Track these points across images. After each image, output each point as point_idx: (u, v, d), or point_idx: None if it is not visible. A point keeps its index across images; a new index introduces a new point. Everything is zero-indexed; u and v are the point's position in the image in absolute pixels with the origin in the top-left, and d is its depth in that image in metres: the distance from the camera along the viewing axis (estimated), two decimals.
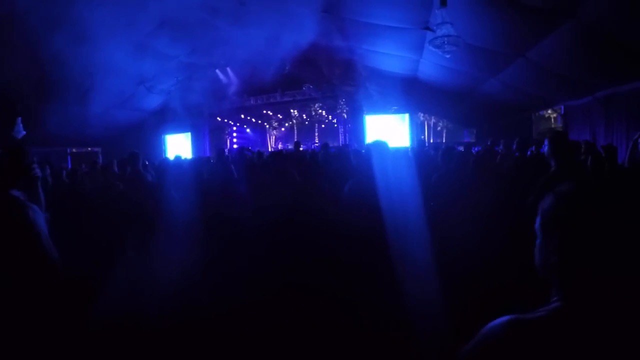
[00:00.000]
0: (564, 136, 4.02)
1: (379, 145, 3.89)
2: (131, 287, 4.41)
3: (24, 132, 11.80)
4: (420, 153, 8.17)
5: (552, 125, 18.99)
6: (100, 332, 3.54)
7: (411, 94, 15.41)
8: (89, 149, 17.11)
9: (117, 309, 3.99)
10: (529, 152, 7.47)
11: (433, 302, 3.31)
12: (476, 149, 11.48)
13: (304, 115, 24.37)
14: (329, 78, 17.46)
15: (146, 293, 4.31)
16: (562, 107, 11.94)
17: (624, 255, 0.97)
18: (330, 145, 16.48)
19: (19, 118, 11.70)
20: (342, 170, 6.11)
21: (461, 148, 10.63)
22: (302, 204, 5.25)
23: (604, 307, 0.97)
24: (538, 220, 1.13)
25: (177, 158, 7.06)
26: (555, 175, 3.81)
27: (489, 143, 9.60)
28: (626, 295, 0.97)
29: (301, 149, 11.16)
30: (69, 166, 12.69)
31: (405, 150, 9.98)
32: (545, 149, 4.05)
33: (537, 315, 1.05)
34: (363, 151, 5.07)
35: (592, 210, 1.02)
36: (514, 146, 6.93)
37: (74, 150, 16.52)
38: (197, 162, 7.63)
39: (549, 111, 16.47)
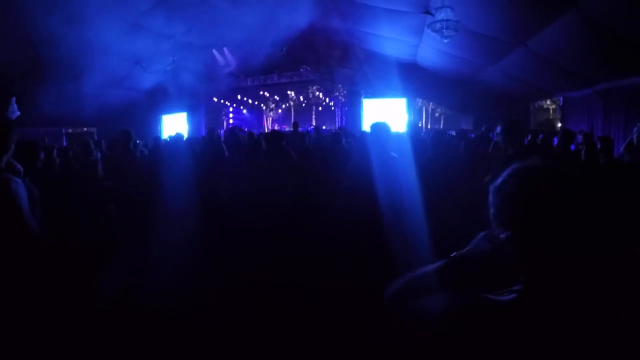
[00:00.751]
0: (516, 123, 4.08)
1: (380, 127, 3.91)
2: (120, 265, 4.42)
3: (19, 113, 11.68)
4: (415, 138, 8.17)
5: (551, 117, 18.95)
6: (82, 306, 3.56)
7: (410, 78, 15.34)
8: (85, 129, 16.98)
9: (106, 286, 4.00)
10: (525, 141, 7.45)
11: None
12: (472, 135, 11.47)
13: (301, 97, 24.20)
14: (326, 60, 17.33)
15: (135, 272, 4.33)
16: (561, 98, 11.91)
17: (578, 234, 0.93)
18: (327, 128, 16.45)
19: (13, 98, 11.58)
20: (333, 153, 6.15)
21: (453, 133, 10.61)
22: (296, 185, 5.27)
23: (565, 287, 0.94)
24: (490, 203, 1.09)
25: (176, 136, 7.01)
26: (511, 159, 3.83)
27: (483, 129, 9.57)
28: (587, 274, 0.93)
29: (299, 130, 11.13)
30: (64, 145, 12.62)
31: (401, 134, 9.96)
32: (499, 136, 4.15)
33: (499, 299, 1.02)
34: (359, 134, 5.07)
35: (539, 187, 0.98)
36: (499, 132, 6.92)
37: (69, 130, 16.40)
38: (189, 142, 7.57)
39: (548, 102, 16.40)
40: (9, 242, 2.65)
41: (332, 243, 3.86)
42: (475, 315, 1.00)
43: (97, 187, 5.44)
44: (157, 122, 18.90)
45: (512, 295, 1.02)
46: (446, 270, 1.26)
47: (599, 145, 5.72)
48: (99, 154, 6.42)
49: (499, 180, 1.07)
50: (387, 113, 16.30)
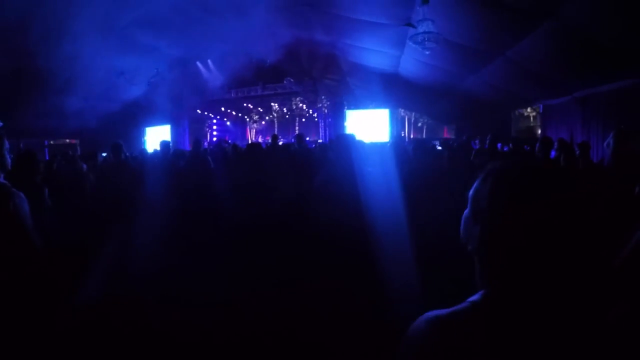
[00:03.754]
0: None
1: (347, 138, 3.97)
2: (109, 277, 4.42)
3: (1, 123, 11.55)
4: (398, 148, 8.30)
5: (531, 124, 19.24)
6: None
7: (392, 89, 15.47)
8: (67, 140, 16.85)
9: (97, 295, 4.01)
10: (506, 148, 7.62)
11: (411, 290, 3.38)
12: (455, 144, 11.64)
13: (284, 109, 24.33)
14: (310, 72, 17.44)
15: (123, 282, 4.34)
16: (541, 106, 12.14)
17: (550, 246, 0.90)
18: (310, 139, 16.51)
19: None
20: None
21: (437, 143, 10.80)
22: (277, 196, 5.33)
23: (527, 300, 0.91)
24: (471, 192, 1.06)
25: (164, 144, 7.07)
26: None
27: (464, 138, 9.74)
28: (553, 288, 0.91)
29: (280, 142, 11.15)
30: (46, 158, 12.50)
31: (383, 144, 10.09)
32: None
33: (456, 309, 0.96)
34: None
35: (515, 190, 0.94)
36: (487, 142, 7.12)
37: (51, 142, 16.27)
38: (175, 154, 7.61)
39: (528, 109, 16.70)
40: (10, 255, 2.63)
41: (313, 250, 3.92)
42: (428, 330, 0.95)
43: (83, 195, 5.47)
44: (141, 134, 18.79)
45: (466, 305, 0.97)
46: None
47: (577, 151, 5.89)
48: (84, 165, 6.42)
49: (481, 176, 1.04)
50: (370, 124, 16.45)
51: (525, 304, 0.90)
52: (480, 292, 0.98)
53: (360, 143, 4.07)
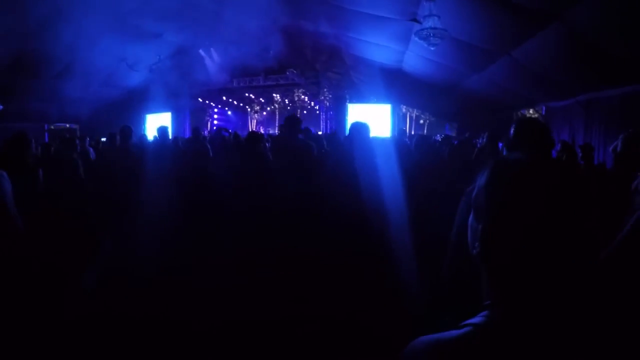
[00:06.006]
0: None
1: (362, 127, 3.92)
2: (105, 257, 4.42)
3: (1, 107, 11.47)
4: (400, 142, 8.26)
5: None
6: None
7: (395, 85, 15.38)
8: (67, 125, 16.80)
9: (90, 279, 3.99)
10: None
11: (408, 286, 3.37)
12: (456, 142, 11.60)
13: (286, 100, 24.23)
14: (313, 64, 17.38)
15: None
16: (544, 108, 12.07)
17: (559, 249, 0.80)
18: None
19: None
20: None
21: (438, 138, 10.75)
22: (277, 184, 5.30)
23: (537, 318, 0.80)
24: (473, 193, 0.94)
25: (161, 131, 7.01)
26: None
27: (466, 135, 9.69)
28: (565, 301, 0.80)
29: None
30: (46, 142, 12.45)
31: (385, 139, 10.07)
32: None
33: (459, 335, 0.84)
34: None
35: (518, 188, 0.84)
36: (483, 139, 7.10)
37: (51, 127, 16.22)
38: (176, 141, 7.59)
39: (531, 111, 16.60)
40: None
41: (317, 239, 3.89)
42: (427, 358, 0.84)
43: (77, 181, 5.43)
44: (142, 121, 18.72)
45: (470, 328, 0.85)
46: None
47: (580, 153, 5.87)
48: (90, 148, 6.39)
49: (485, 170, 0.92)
50: (372, 118, 16.37)
51: (532, 325, 0.79)
52: (483, 314, 0.87)
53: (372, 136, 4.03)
